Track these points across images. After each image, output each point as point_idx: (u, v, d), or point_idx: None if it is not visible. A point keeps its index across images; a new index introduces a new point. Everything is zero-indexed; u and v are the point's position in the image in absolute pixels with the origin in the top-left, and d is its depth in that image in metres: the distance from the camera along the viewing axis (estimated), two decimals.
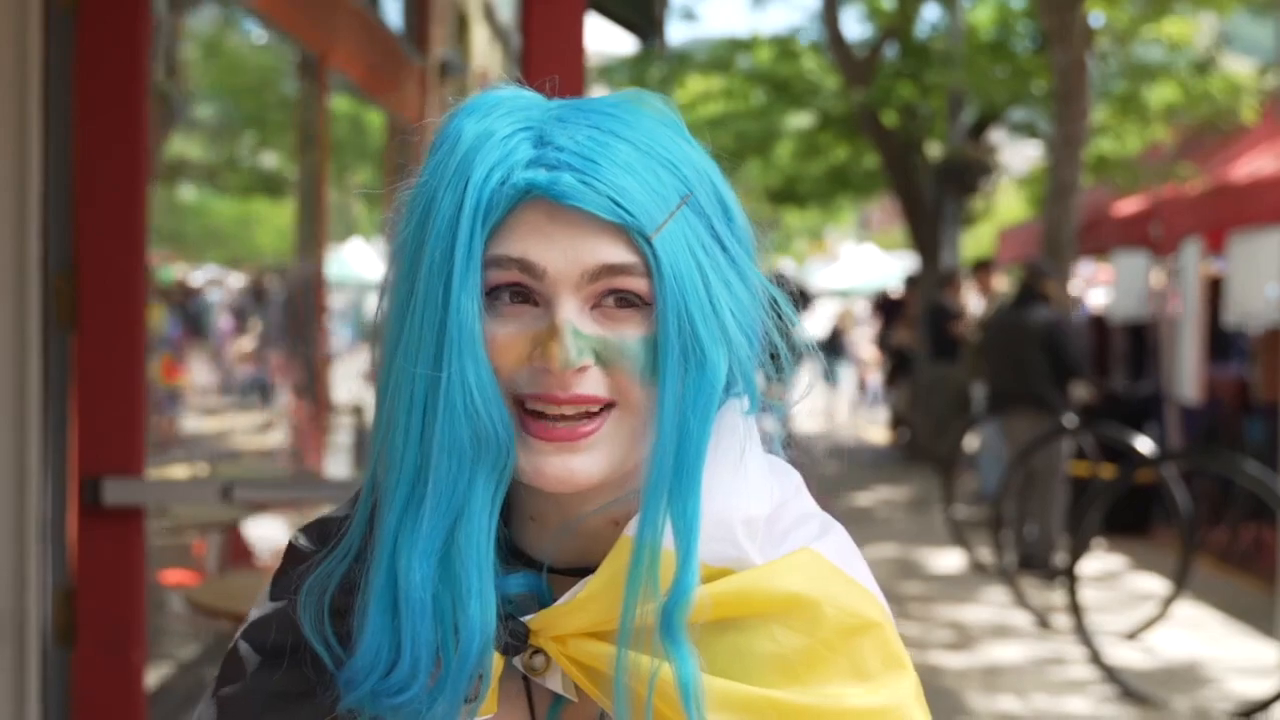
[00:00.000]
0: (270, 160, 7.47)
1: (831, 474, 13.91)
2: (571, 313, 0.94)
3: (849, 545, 1.09)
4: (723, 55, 17.14)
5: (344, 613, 1.00)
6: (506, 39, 15.93)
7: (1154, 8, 12.78)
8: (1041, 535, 8.68)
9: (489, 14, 14.73)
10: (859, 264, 36.83)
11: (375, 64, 7.05)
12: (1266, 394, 9.60)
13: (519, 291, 0.95)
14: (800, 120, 18.02)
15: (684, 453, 0.96)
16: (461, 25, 12.08)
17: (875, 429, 18.49)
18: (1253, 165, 10.12)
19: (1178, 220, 10.63)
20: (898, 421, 16.36)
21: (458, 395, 0.94)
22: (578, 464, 0.95)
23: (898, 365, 16.21)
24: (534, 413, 0.95)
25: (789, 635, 0.99)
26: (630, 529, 0.97)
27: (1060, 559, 8.38)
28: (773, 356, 1.05)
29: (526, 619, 0.99)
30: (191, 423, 6.36)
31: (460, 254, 0.94)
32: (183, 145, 6.47)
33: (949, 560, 9.33)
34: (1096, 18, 11.61)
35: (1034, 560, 8.62)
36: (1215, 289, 10.50)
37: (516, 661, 1.00)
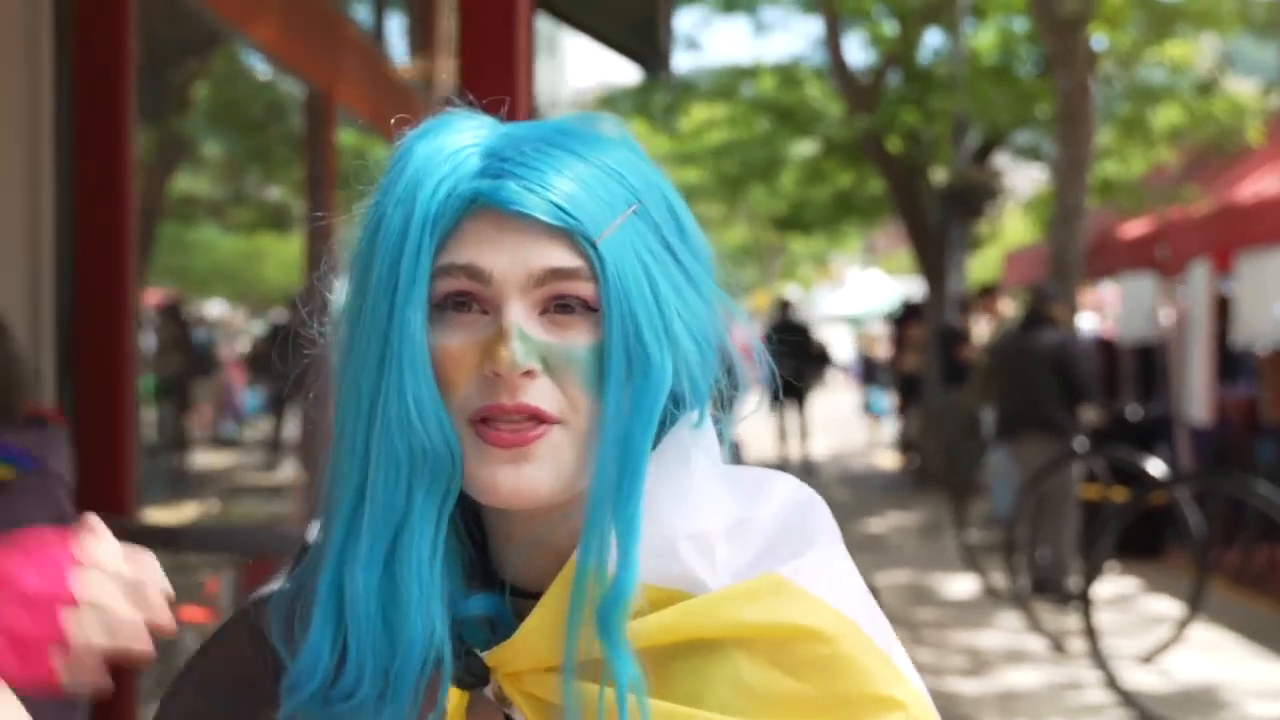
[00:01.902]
0: (277, 195, 7.50)
1: (843, 500, 13.88)
2: (519, 316, 0.95)
3: (832, 561, 1.02)
4: (726, 83, 17.20)
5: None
6: None
7: (1157, 30, 12.81)
8: (1054, 559, 8.65)
9: None
10: (865, 289, 36.86)
11: (381, 98, 7.08)
12: (1274, 414, 9.58)
13: (467, 300, 0.96)
14: (805, 147, 18.05)
15: (627, 458, 0.95)
16: None
17: (886, 454, 18.45)
18: (1258, 185, 10.13)
19: (1184, 242, 10.63)
20: (908, 447, 16.33)
21: (394, 407, 0.95)
22: (527, 473, 0.95)
23: (907, 390, 16.19)
24: (483, 420, 0.95)
25: (750, 664, 0.96)
26: (579, 553, 0.96)
27: (1074, 583, 8.35)
28: (728, 371, 1.05)
29: (484, 654, 0.99)
30: (201, 459, 6.36)
31: (406, 266, 0.95)
32: (190, 181, 6.50)
33: (962, 586, 9.30)
34: (1099, 41, 11.63)
35: (1048, 584, 8.59)
36: (1223, 309, 10.49)
37: (488, 692, 1.01)
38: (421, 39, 8.51)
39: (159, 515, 4.80)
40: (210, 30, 5.83)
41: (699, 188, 20.96)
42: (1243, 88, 15.15)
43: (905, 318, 16.64)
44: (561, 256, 0.95)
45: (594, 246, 0.95)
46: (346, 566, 0.97)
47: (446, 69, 8.01)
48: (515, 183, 0.95)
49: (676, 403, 1.02)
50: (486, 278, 0.95)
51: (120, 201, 3.33)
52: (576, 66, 37.28)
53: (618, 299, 0.95)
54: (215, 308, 7.24)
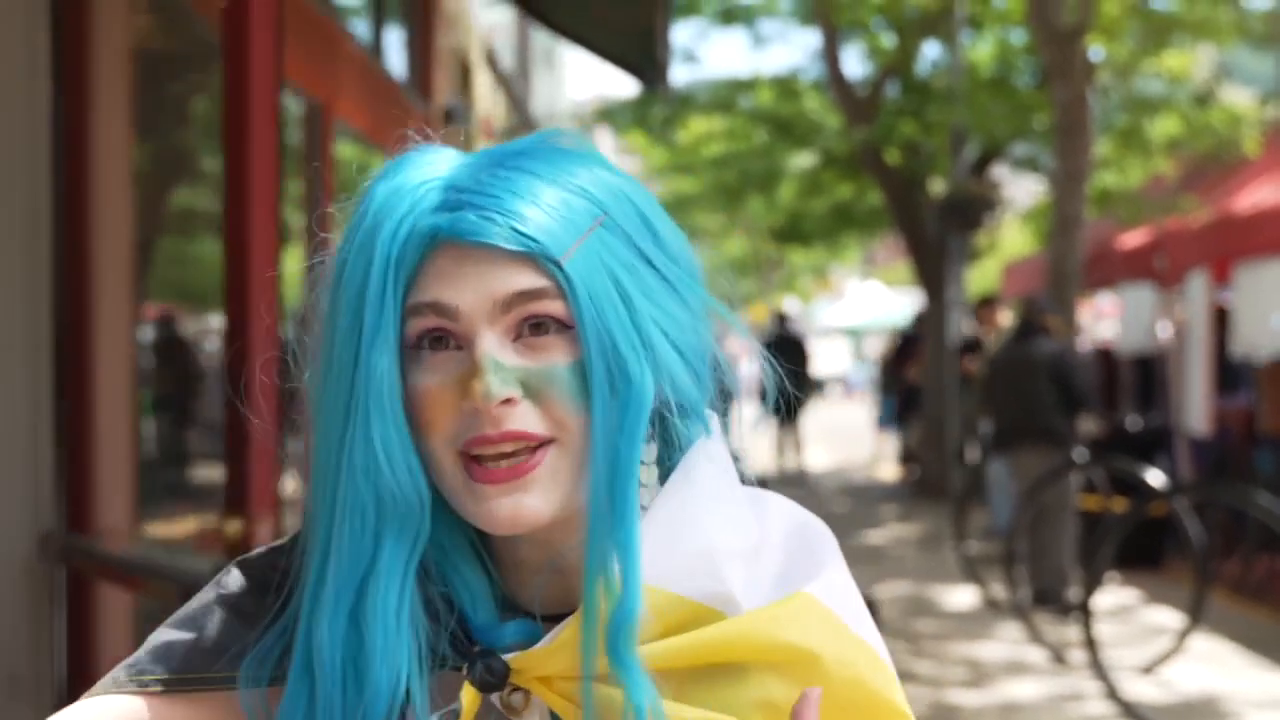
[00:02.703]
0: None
1: (843, 512, 13.87)
2: (491, 346, 0.94)
3: (843, 582, 1.04)
4: (724, 95, 17.21)
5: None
6: (509, 85, 16.01)
7: (1154, 41, 12.84)
8: (1054, 570, 8.64)
9: (491, 61, 14.81)
10: (865, 301, 36.89)
11: (380, 112, 7.09)
12: (1273, 424, 9.57)
13: (439, 338, 0.95)
14: (803, 159, 18.07)
15: (616, 477, 0.94)
16: (464, 73, 12.15)
17: (886, 466, 18.44)
18: (1256, 196, 10.13)
19: (1182, 252, 10.64)
20: (908, 458, 16.33)
21: (360, 453, 0.95)
22: (526, 502, 0.94)
23: (908, 401, 16.19)
24: (475, 459, 0.95)
25: (782, 685, 0.96)
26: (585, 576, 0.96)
27: (1073, 593, 8.34)
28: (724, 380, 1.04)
29: (508, 657, 0.98)
30: (201, 473, 6.35)
31: (371, 309, 0.95)
32: (190, 196, 6.49)
33: (962, 597, 9.29)
34: (1097, 52, 11.65)
35: (1048, 595, 8.58)
36: (1221, 320, 10.49)
37: (495, 699, 0.99)
38: (419, 53, 8.52)
39: (159, 530, 4.80)
40: (209, 44, 5.83)
41: (697, 200, 20.95)
42: (1240, 98, 15.18)
43: (917, 330, 16.64)
44: (526, 279, 0.94)
45: (559, 266, 0.94)
46: (314, 617, 0.97)
47: (444, 83, 8.02)
48: (473, 213, 0.94)
49: (681, 414, 1.01)
50: (454, 313, 0.94)
51: (119, 214, 3.33)
52: (574, 80, 37.32)
53: (590, 315, 0.94)
54: (218, 321, 7.23)
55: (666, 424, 1.01)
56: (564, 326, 0.95)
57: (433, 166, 0.99)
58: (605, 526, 0.94)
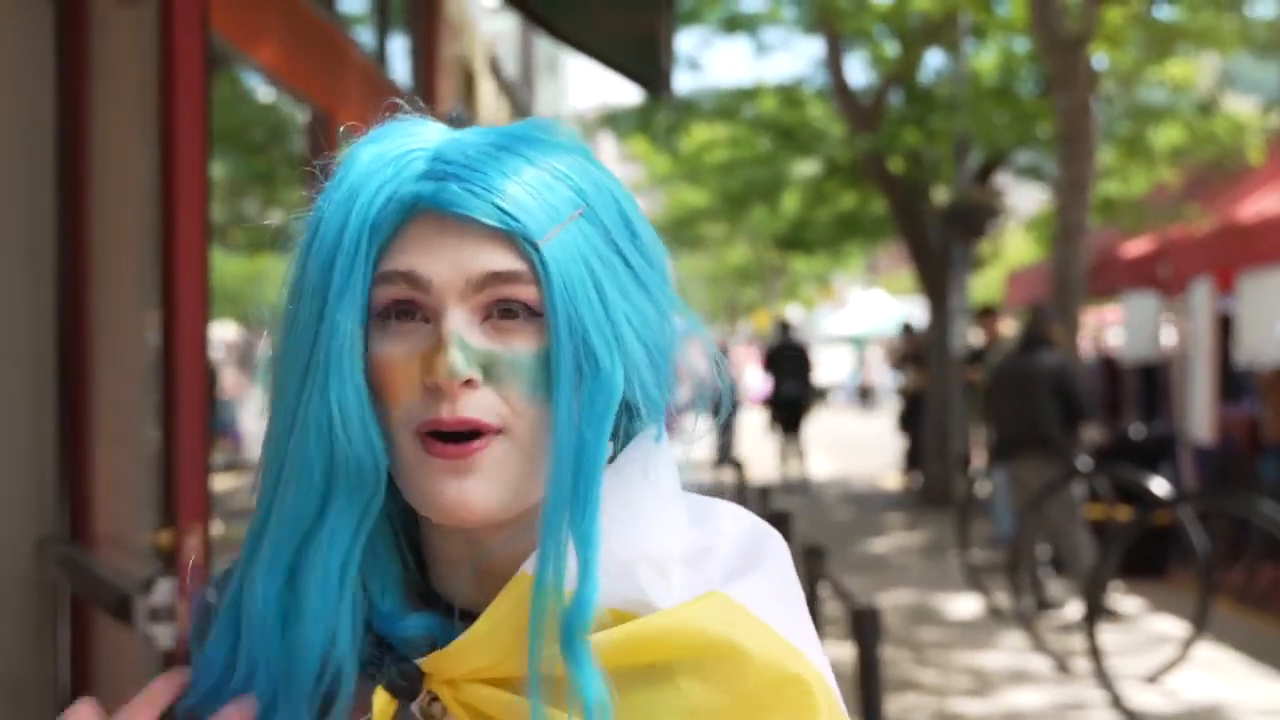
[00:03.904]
0: (279, 217, 7.49)
1: (846, 520, 13.86)
2: (459, 323, 0.92)
3: (777, 588, 1.00)
4: (728, 104, 17.23)
5: None
6: (513, 93, 16.04)
7: (1157, 50, 12.84)
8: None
9: (495, 69, 14.83)
10: (868, 309, 36.88)
11: (384, 119, 7.09)
12: (1276, 433, 9.56)
13: (408, 309, 0.94)
14: (807, 167, 18.08)
15: (581, 467, 0.92)
16: (468, 81, 12.16)
17: (889, 474, 18.43)
18: (1260, 204, 10.13)
19: (1186, 261, 10.64)
20: (912, 466, 16.32)
21: (314, 412, 0.93)
22: (471, 487, 0.92)
23: (911, 409, 16.18)
24: (428, 435, 0.93)
25: (699, 689, 0.93)
26: (529, 565, 0.93)
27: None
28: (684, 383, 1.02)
29: (419, 660, 0.96)
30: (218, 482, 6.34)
31: (340, 269, 0.93)
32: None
33: (966, 605, 9.28)
34: (1100, 61, 11.65)
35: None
36: (1225, 328, 10.48)
37: (414, 708, 0.96)
38: (423, 61, 8.53)
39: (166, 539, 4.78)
40: (212, 52, 5.84)
41: (701, 208, 20.95)
42: (1243, 107, 15.18)
43: (915, 336, 16.65)
44: (501, 260, 0.93)
45: (536, 249, 0.93)
46: (249, 571, 0.96)
47: (448, 90, 8.03)
48: (458, 185, 0.93)
49: (631, 415, 0.99)
50: (426, 284, 0.93)
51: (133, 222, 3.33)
52: (578, 87, 37.37)
53: (563, 302, 0.93)
54: (226, 330, 7.24)
55: (625, 424, 0.99)
56: (533, 314, 0.93)
57: (421, 136, 0.98)
58: (564, 517, 0.92)
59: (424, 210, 0.94)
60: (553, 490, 0.92)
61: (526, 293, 0.93)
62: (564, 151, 0.98)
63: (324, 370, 0.93)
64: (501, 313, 0.94)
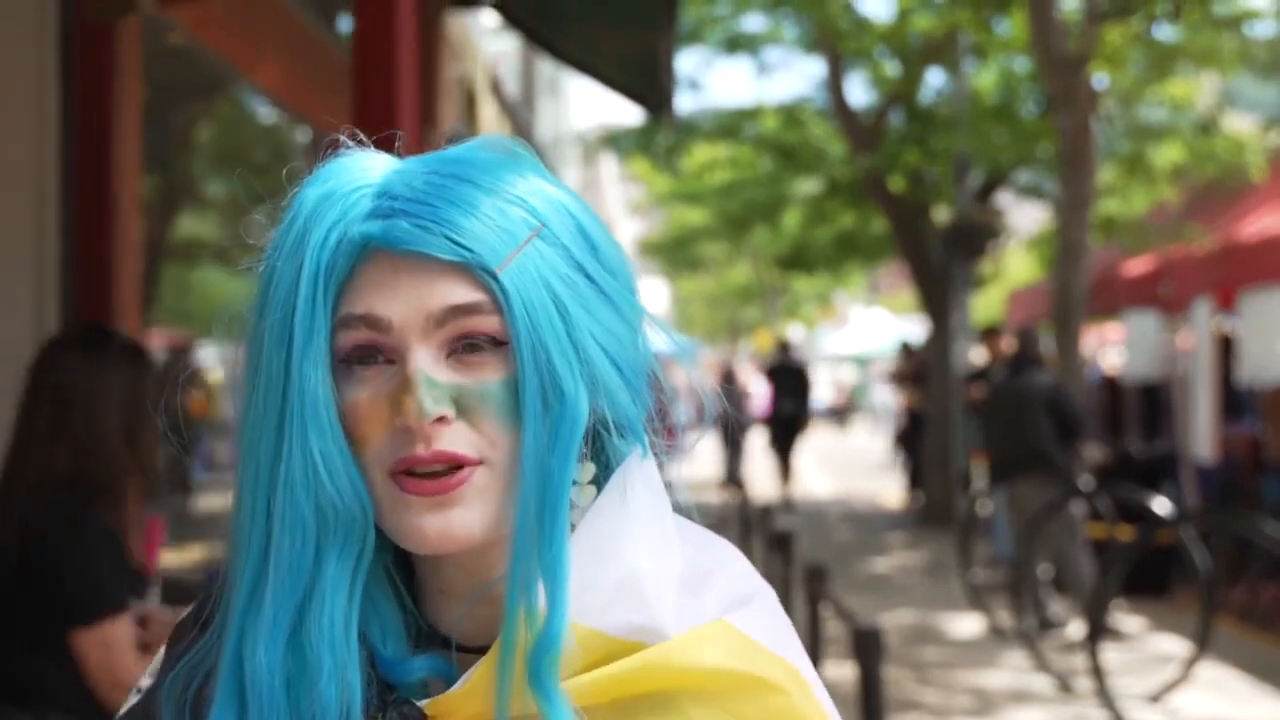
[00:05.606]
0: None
1: (847, 540, 13.84)
2: (424, 362, 0.90)
3: (773, 618, 1.00)
4: (729, 123, 17.27)
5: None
6: (514, 113, 16.07)
7: (1158, 69, 12.87)
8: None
9: (496, 89, 14.85)
10: (869, 328, 36.89)
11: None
12: (1278, 451, 9.56)
13: (372, 352, 0.92)
14: (808, 187, 18.11)
15: (546, 496, 0.90)
16: (469, 101, 12.19)
17: (891, 494, 18.42)
18: (1261, 223, 10.14)
19: (1187, 279, 10.64)
20: (913, 486, 16.30)
21: (298, 466, 0.91)
22: (454, 518, 0.91)
23: (911, 429, 16.17)
24: (405, 474, 0.91)
25: (702, 712, 0.93)
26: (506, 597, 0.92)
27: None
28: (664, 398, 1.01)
29: (423, 704, 0.94)
30: (205, 501, 6.35)
31: (301, 320, 0.91)
32: (194, 225, 6.52)
33: (968, 625, 9.26)
34: (1101, 80, 11.67)
35: (1053, 621, 8.54)
36: (1227, 347, 10.48)
37: None
38: (424, 79, 8.54)
39: (167, 559, 4.78)
40: (214, 74, 5.86)
41: (702, 227, 20.98)
42: (1243, 125, 15.20)
43: (914, 355, 16.66)
44: (461, 293, 0.91)
45: (495, 278, 0.91)
46: (247, 639, 0.92)
47: (449, 110, 8.05)
48: (407, 221, 0.91)
49: (619, 433, 0.98)
50: (386, 325, 0.91)
51: (123, 242, 3.34)
52: (579, 107, 37.45)
53: (526, 329, 0.91)
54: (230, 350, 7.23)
55: (603, 443, 0.98)
56: (498, 343, 0.92)
57: (365, 172, 0.95)
58: (532, 548, 0.90)
59: (376, 249, 0.92)
60: (520, 518, 0.91)
61: (489, 324, 0.92)
62: (513, 171, 0.96)
63: (300, 424, 0.91)
64: (466, 347, 0.92)
